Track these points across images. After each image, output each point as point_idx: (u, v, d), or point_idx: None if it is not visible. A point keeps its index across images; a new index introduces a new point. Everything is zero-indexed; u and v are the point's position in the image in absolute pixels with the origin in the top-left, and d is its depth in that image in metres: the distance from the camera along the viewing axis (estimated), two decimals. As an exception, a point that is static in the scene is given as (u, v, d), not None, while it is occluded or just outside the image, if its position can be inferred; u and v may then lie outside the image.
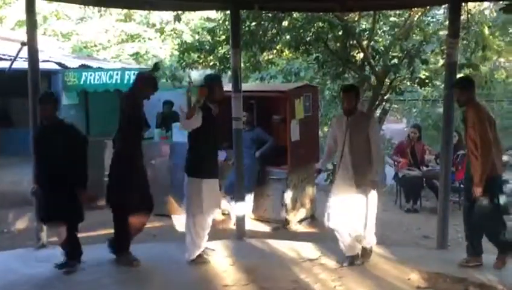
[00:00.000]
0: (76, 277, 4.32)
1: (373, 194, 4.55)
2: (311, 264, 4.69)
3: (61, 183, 4.25)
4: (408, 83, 9.25)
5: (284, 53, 10.14)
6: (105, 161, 8.17)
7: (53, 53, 11.30)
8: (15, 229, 6.42)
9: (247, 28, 7.93)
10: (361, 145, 4.52)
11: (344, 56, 8.37)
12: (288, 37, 8.58)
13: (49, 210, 4.38)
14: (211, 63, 8.34)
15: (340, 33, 8.28)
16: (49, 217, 4.45)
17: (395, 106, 14.64)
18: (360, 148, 4.52)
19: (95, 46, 17.44)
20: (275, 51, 9.30)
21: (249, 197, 6.46)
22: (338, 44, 8.53)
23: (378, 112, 10.26)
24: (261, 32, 8.05)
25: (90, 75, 8.43)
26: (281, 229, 6.40)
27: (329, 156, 5.00)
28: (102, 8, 17.59)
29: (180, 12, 7.44)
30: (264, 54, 9.26)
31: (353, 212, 4.54)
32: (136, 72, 8.09)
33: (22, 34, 6.83)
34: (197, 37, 12.51)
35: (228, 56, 7.61)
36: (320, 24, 8.28)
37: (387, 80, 9.07)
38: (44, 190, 4.39)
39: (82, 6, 17.42)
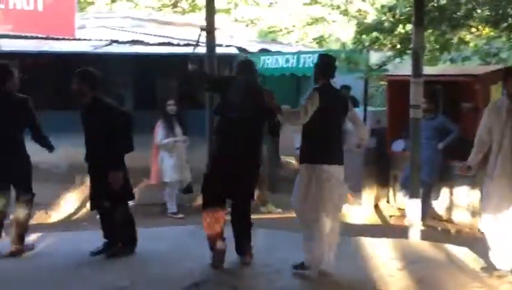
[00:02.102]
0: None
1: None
2: (499, 282, 3.92)
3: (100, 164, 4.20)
4: None
5: (484, 30, 8.83)
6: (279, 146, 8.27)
7: (240, 38, 11.87)
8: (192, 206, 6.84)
9: (435, 4, 7.04)
10: None
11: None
12: (486, 11, 7.40)
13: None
14: (390, 44, 7.66)
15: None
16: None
17: None
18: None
19: (280, 30, 17.89)
20: (469, 29, 8.13)
21: (429, 193, 5.81)
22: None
23: None
24: (452, 7, 7.06)
25: (268, 59, 8.54)
26: (464, 234, 5.60)
27: (480, 150, 4.13)
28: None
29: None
30: (456, 32, 8.17)
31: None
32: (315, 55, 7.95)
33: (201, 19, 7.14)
34: (382, 17, 11.74)
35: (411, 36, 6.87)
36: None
37: None
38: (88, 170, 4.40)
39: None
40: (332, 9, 17.92)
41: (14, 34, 9.80)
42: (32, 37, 10.06)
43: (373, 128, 6.75)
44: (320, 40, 17.29)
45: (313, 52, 8.68)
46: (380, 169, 6.74)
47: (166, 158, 6.72)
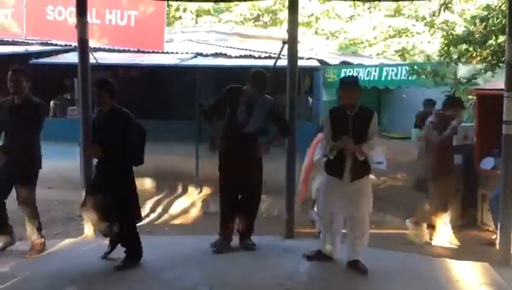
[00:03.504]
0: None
1: None
2: None
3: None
4: None
5: None
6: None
7: (320, 51, 11.87)
8: (265, 216, 6.88)
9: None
10: None
11: None
12: None
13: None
14: (480, 57, 7.23)
15: None
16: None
17: None
18: None
19: (362, 43, 17.66)
20: None
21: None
22: None
23: None
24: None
25: (349, 71, 8.45)
26: None
27: None
28: (372, 4, 17.83)
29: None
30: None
31: None
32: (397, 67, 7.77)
33: (283, 33, 7.20)
34: (472, 28, 11.16)
35: (504, 48, 6.45)
36: None
37: None
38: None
39: (352, 4, 18.01)
40: (417, 20, 17.40)
41: (108, 48, 10.49)
42: (124, 51, 10.73)
43: (460, 144, 6.43)
44: (402, 53, 16.83)
45: (396, 65, 8.46)
46: (467, 187, 6.39)
47: (317, 175, 6.10)
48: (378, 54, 16.27)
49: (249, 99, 4.64)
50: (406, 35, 17.14)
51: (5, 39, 10.55)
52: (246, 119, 4.61)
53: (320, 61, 9.16)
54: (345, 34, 17.60)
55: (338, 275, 4.20)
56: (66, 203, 7.27)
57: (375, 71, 8.13)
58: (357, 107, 4.20)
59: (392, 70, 7.88)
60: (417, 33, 16.90)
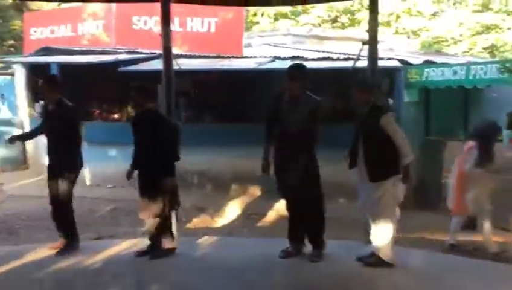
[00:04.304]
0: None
1: None
2: None
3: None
4: None
5: None
6: (444, 162, 7.75)
7: (400, 50, 11.46)
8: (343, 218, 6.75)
9: None
10: None
11: None
12: None
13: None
14: None
15: None
16: None
17: None
18: None
19: (446, 41, 16.85)
20: None
21: None
22: None
23: None
24: None
25: (433, 71, 8.08)
26: None
27: None
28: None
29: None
30: None
31: None
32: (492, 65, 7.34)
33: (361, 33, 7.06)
34: None
35: None
36: None
37: None
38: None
39: (435, 0, 17.25)
40: (508, 15, 16.31)
41: (189, 54, 10.85)
42: (203, 56, 11.04)
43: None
44: (492, 50, 15.85)
45: (485, 63, 7.96)
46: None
47: (473, 187, 5.51)
48: (464, 52, 15.44)
49: (290, 98, 4.57)
50: (496, 32, 16.12)
51: (96, 49, 11.26)
52: (288, 118, 4.53)
53: (402, 61, 8.84)
54: (428, 32, 16.88)
55: None
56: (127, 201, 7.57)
57: (461, 70, 7.71)
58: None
59: (481, 69, 7.44)
60: (508, 28, 15.85)
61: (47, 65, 10.63)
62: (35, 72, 11.06)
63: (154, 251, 4.63)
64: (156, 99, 4.93)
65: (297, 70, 4.60)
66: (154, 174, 4.52)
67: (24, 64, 11.51)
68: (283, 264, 4.53)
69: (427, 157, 7.93)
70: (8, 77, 12.53)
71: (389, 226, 4.28)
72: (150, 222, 4.63)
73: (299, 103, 4.50)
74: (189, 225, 7.04)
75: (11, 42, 16.62)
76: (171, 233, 4.71)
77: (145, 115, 4.63)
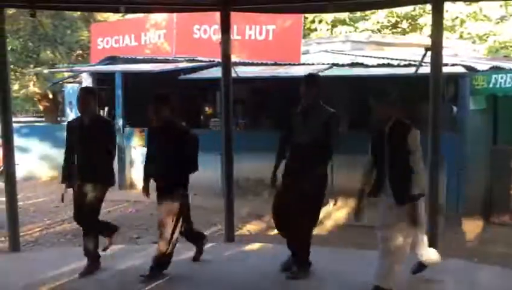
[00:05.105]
0: None
1: None
2: None
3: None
4: None
5: None
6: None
7: (465, 56, 11.00)
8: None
9: None
10: None
11: None
12: None
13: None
14: None
15: None
16: None
17: None
18: None
19: (515, 45, 16.06)
20: None
21: None
22: None
23: None
24: None
25: (501, 77, 7.69)
26: None
27: None
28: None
29: None
30: None
31: None
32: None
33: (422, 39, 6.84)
34: None
35: None
36: None
37: None
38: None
39: (503, 4, 16.44)
40: None
41: (247, 62, 10.95)
42: (261, 64, 11.11)
43: None
44: None
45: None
46: None
47: None
48: (535, 57, 14.62)
49: (302, 108, 4.52)
50: None
51: (158, 57, 11.62)
52: (300, 128, 4.48)
53: (467, 67, 8.47)
54: (495, 36, 16.12)
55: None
56: (207, 209, 7.74)
57: (533, 76, 7.31)
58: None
59: (556, 75, 7.04)
60: None
61: (112, 74, 11.07)
62: (102, 81, 11.55)
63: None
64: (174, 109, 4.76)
65: (313, 78, 4.67)
66: (171, 185, 4.52)
67: (91, 73, 12.07)
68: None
69: (494, 167, 7.58)
70: (76, 85, 13.17)
71: (398, 255, 3.90)
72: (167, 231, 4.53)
73: (313, 114, 4.47)
74: (243, 231, 7.09)
75: (79, 52, 17.51)
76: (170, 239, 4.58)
77: (167, 126, 4.55)
